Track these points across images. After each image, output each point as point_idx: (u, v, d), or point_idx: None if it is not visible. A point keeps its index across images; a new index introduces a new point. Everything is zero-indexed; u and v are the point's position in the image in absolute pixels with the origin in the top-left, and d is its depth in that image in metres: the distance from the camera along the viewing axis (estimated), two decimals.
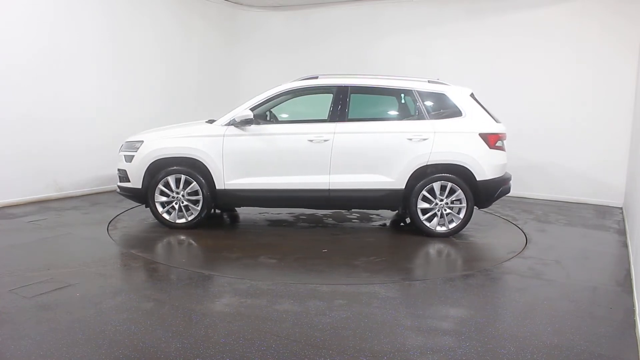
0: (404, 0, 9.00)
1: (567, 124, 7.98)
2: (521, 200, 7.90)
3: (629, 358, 3.05)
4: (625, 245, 5.57)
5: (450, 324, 3.42)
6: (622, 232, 6.18)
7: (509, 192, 5.89)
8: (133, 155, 5.73)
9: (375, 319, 3.46)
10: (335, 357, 2.91)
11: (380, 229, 6.15)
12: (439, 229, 5.62)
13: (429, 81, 5.87)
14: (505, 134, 5.77)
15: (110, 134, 7.78)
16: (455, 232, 5.63)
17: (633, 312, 3.69)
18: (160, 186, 5.67)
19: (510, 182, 5.86)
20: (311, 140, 5.57)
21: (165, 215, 5.73)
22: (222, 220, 6.50)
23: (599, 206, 7.71)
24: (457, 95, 5.73)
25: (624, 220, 6.78)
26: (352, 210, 6.78)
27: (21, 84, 6.61)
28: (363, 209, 6.41)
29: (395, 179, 5.56)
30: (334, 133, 5.58)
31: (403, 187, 5.57)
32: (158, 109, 8.62)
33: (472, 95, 5.82)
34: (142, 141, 5.79)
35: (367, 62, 9.20)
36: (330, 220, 6.44)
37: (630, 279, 4.39)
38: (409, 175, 5.54)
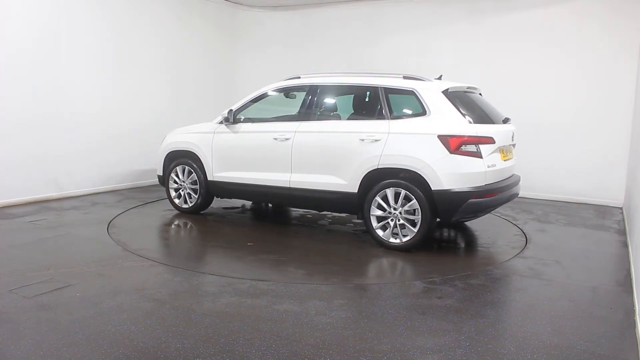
0: (404, 0, 9.00)
1: (567, 123, 7.97)
2: (521, 200, 7.88)
3: (629, 358, 3.05)
4: (625, 245, 5.56)
5: (451, 324, 3.41)
6: (622, 232, 6.17)
7: (488, 208, 5.09)
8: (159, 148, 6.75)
9: (375, 319, 3.46)
10: (335, 357, 2.91)
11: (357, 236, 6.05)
12: (392, 240, 5.08)
13: (404, 77, 5.34)
14: (486, 138, 4.93)
15: (110, 134, 7.80)
16: (410, 246, 4.99)
17: (633, 312, 3.69)
18: (172, 175, 6.52)
19: (495, 196, 5.00)
20: (276, 139, 5.68)
21: (176, 200, 6.58)
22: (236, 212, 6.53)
23: (599, 206, 7.70)
24: (426, 93, 5.09)
25: (624, 220, 6.78)
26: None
27: (21, 84, 6.61)
28: (323, 210, 6.04)
29: (347, 182, 5.24)
30: (295, 132, 5.60)
31: (356, 190, 5.21)
32: (158, 108, 8.62)
33: (445, 92, 5.11)
34: (166, 135, 6.77)
35: (367, 62, 9.18)
36: (325, 222, 6.43)
37: (630, 279, 4.39)
38: (361, 178, 5.15)
